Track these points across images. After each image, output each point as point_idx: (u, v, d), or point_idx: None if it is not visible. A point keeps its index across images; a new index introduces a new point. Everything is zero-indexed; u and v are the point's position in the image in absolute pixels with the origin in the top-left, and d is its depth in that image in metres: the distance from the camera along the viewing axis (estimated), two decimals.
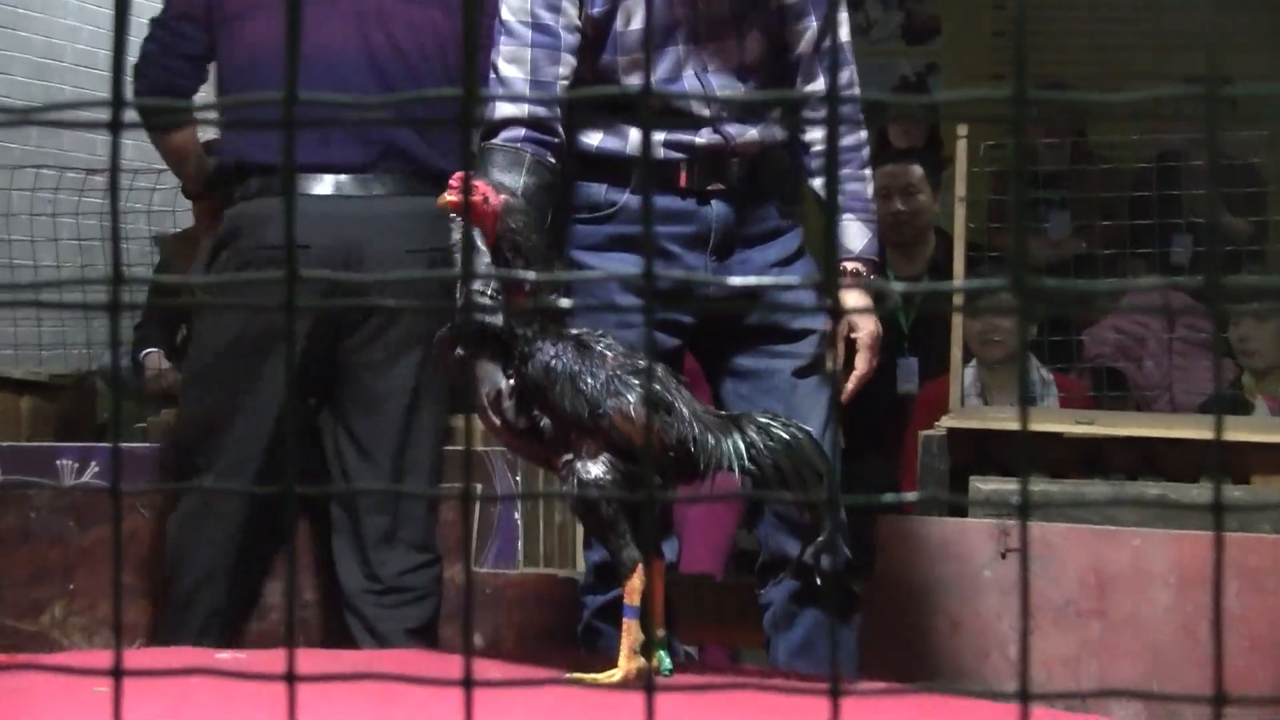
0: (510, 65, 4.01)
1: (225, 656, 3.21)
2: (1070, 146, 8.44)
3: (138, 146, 5.41)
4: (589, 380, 3.39)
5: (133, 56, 4.59)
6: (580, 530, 5.27)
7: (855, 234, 4.25)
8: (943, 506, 4.90)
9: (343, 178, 4.45)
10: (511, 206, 3.43)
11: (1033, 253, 7.73)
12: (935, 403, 5.79)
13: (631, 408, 3.39)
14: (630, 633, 3.28)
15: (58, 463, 5.13)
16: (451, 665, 3.35)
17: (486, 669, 2.79)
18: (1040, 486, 4.59)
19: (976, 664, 4.43)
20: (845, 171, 4.22)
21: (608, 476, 3.39)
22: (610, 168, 4.14)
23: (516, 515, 4.83)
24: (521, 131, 3.94)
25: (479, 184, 3.45)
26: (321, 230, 4.29)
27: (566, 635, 4.64)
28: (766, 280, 3.72)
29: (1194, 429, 4.95)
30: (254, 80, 4.49)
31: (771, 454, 3.48)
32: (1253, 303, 6.20)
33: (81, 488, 5.09)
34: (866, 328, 4.13)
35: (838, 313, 3.73)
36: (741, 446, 3.53)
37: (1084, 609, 4.47)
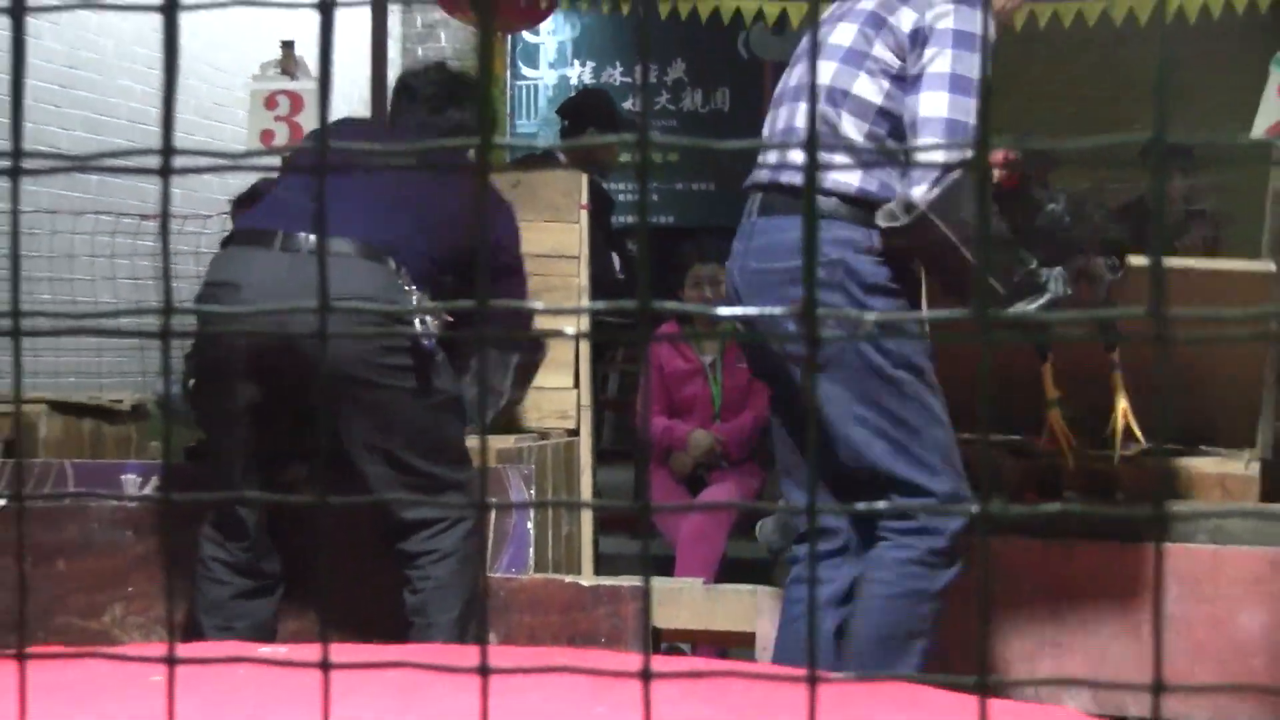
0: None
1: (266, 650, 3.21)
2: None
3: (185, 195, 5.40)
4: None
5: (180, 112, 4.59)
6: (587, 531, 5.26)
7: None
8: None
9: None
10: None
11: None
12: None
13: None
14: None
15: (121, 478, 5.13)
16: (469, 656, 3.35)
17: (499, 660, 2.78)
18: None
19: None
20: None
21: None
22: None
23: (529, 525, 4.83)
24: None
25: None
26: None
27: (572, 635, 4.64)
28: (748, 311, 3.66)
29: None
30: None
31: None
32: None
33: (137, 500, 5.09)
34: None
35: (814, 340, 3.69)
36: None
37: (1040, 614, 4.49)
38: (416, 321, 4.32)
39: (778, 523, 6.88)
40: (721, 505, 7.02)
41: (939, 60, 3.87)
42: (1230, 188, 4.86)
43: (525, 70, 11.29)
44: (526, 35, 11.02)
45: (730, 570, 6.44)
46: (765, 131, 4.30)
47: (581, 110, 8.03)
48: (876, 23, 3.96)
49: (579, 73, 11.53)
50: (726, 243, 7.36)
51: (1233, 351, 4.71)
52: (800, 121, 4.02)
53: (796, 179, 3.98)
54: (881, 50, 3.93)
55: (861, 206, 3.92)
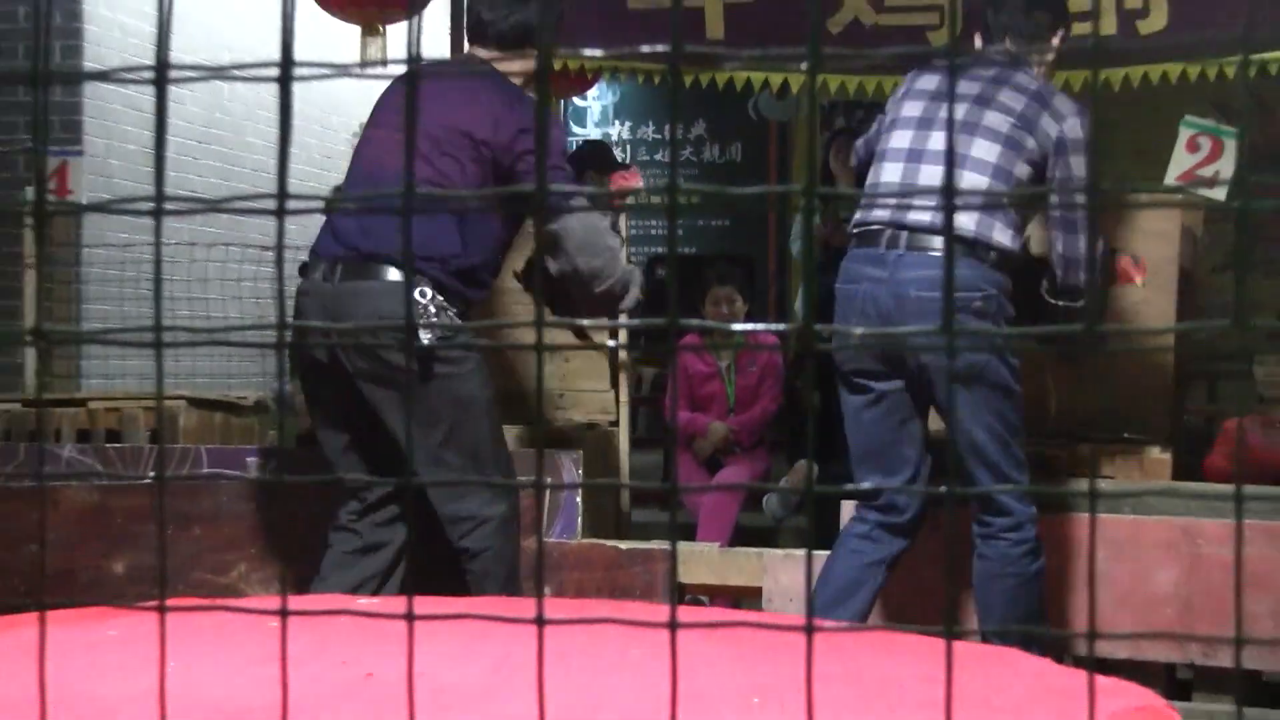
0: None
1: (363, 602, 3.21)
2: None
3: (299, 230, 5.39)
4: None
5: (295, 163, 4.57)
6: (624, 503, 5.26)
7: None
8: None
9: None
10: None
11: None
12: None
13: None
14: None
15: (245, 460, 5.14)
16: (528, 608, 3.35)
17: (552, 611, 2.78)
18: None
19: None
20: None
21: None
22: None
23: (577, 500, 4.83)
24: None
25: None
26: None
27: (612, 589, 4.64)
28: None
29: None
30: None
31: None
32: None
33: (258, 480, 5.11)
34: None
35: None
36: None
37: None
38: (422, 331, 4.07)
39: (780, 498, 6.92)
40: (735, 486, 7.02)
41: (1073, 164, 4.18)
42: (1142, 227, 4.85)
43: (575, 128, 11.27)
44: (576, 100, 11.02)
45: (741, 536, 6.45)
46: (882, 178, 4.29)
47: (584, 159, 8.07)
48: (1016, 145, 4.18)
49: (619, 130, 11.52)
50: (738, 268, 7.36)
51: (1150, 358, 4.70)
52: (965, 184, 4.13)
53: (926, 224, 4.10)
54: (1023, 167, 4.17)
55: (1008, 258, 4.13)
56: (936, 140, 4.20)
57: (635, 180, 4.25)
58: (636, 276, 4.42)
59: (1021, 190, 4.23)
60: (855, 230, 4.25)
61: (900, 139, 4.28)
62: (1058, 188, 4.18)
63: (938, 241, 4.05)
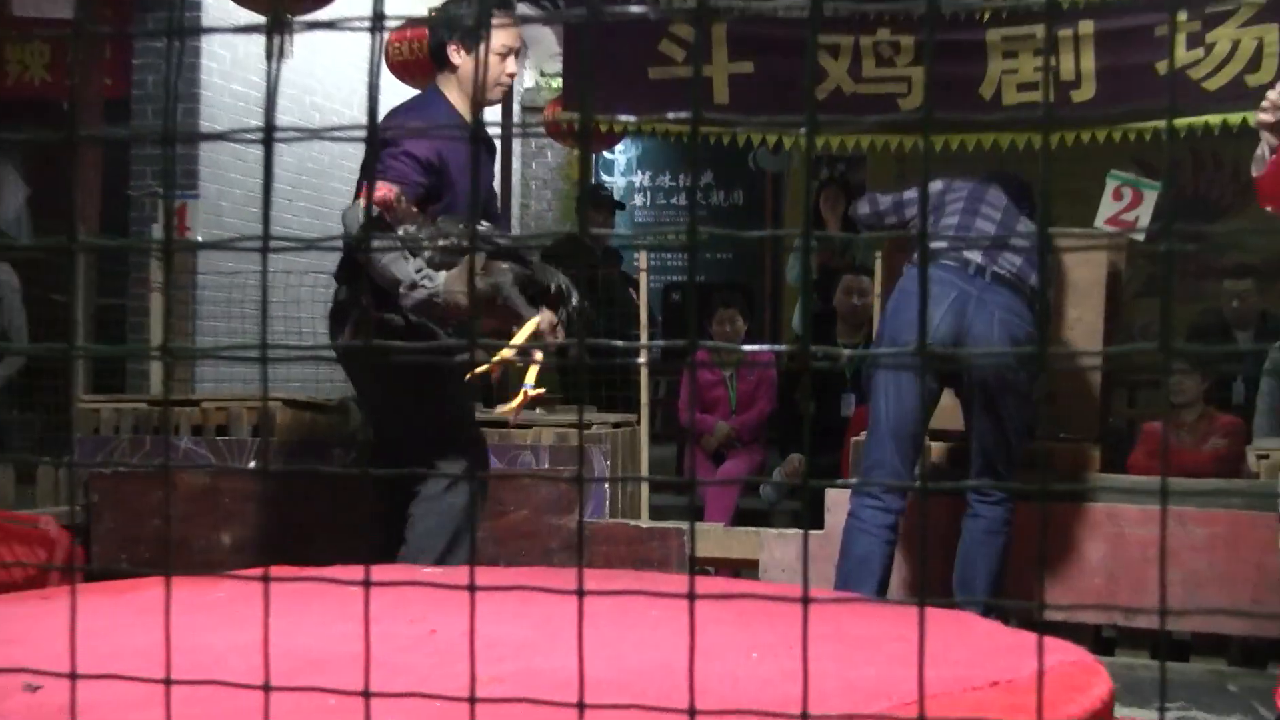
0: None
1: (428, 571, 3.22)
2: None
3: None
4: None
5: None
6: (645, 490, 5.26)
7: None
8: None
9: None
10: None
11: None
12: (860, 421, 5.78)
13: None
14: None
15: (333, 452, 5.15)
16: (569, 580, 3.34)
17: (585, 581, 2.78)
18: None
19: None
20: None
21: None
22: None
23: (605, 486, 4.84)
24: None
25: None
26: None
27: (635, 561, 4.64)
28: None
29: None
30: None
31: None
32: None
33: (340, 470, 5.11)
34: None
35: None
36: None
37: None
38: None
39: (774, 486, 6.92)
40: (735, 481, 7.02)
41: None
42: (1076, 260, 4.85)
43: (604, 176, 11.26)
44: (605, 153, 11.02)
45: (741, 517, 6.45)
46: (942, 220, 4.43)
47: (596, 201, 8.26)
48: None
49: (640, 178, 11.50)
50: (739, 294, 7.36)
51: (1083, 372, 4.70)
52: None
53: (1008, 270, 4.22)
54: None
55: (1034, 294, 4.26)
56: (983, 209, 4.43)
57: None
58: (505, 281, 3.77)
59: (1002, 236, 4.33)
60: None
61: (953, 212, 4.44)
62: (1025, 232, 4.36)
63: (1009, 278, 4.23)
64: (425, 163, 3.71)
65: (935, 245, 4.19)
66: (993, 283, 4.19)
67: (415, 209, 3.54)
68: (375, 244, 3.09)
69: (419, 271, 3.52)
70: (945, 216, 4.40)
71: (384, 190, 3.27)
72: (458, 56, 4.04)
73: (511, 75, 4.12)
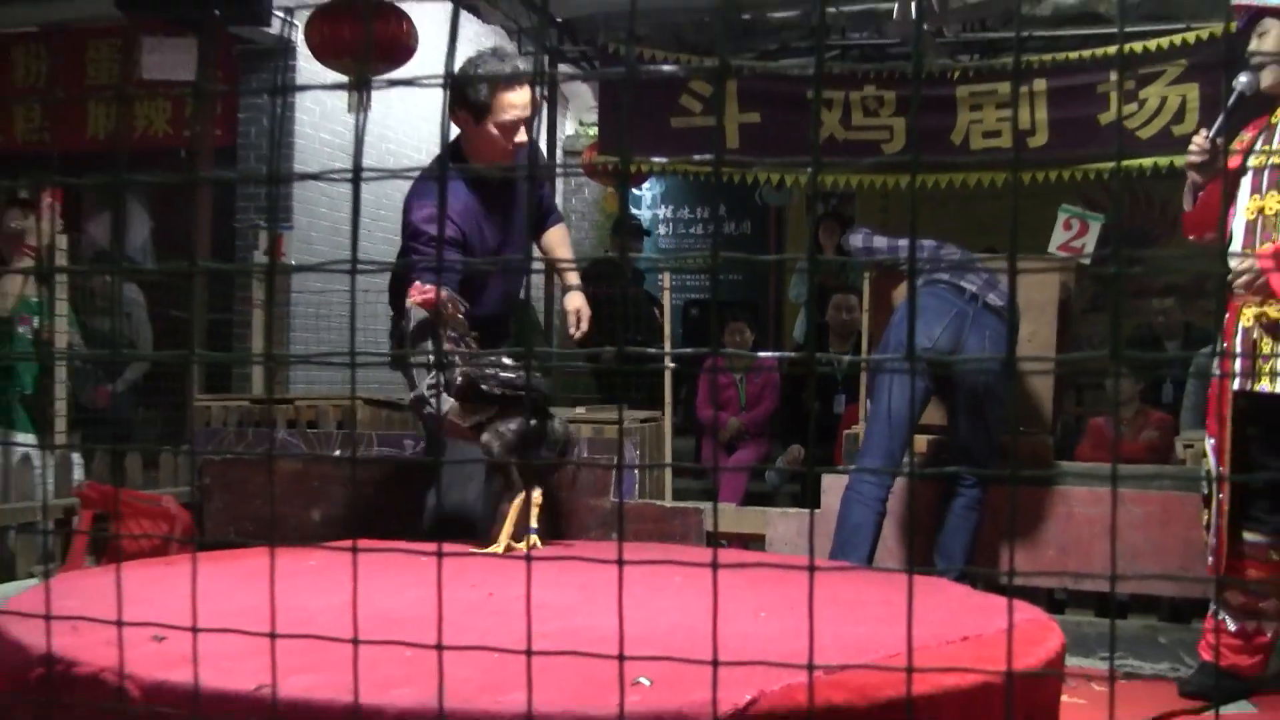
0: None
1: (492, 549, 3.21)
2: None
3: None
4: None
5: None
6: (669, 475, 5.25)
7: None
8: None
9: None
10: None
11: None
12: (851, 417, 5.77)
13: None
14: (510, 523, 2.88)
15: (404, 443, 5.15)
16: (610, 552, 3.33)
17: (615, 553, 2.78)
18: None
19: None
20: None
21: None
22: None
23: (635, 471, 4.83)
24: None
25: None
26: None
27: (660, 536, 4.62)
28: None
29: None
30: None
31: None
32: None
33: (413, 459, 5.10)
34: None
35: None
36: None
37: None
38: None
39: (777, 472, 6.90)
40: (744, 468, 7.00)
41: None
42: (1031, 280, 4.83)
43: (632, 209, 11.26)
44: (634, 190, 11.02)
45: (749, 498, 6.43)
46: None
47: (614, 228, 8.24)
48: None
49: (664, 211, 11.49)
50: (747, 309, 7.35)
51: (1040, 375, 4.68)
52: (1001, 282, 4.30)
53: (996, 303, 4.24)
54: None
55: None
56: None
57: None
58: (500, 446, 3.10)
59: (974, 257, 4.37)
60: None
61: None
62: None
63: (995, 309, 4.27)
64: (451, 241, 3.09)
65: (935, 276, 4.30)
66: (984, 309, 4.24)
67: (456, 307, 2.82)
68: (414, 360, 2.84)
69: (430, 388, 3.00)
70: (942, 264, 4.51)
71: (429, 293, 2.64)
72: (467, 126, 3.35)
73: (521, 144, 3.34)
